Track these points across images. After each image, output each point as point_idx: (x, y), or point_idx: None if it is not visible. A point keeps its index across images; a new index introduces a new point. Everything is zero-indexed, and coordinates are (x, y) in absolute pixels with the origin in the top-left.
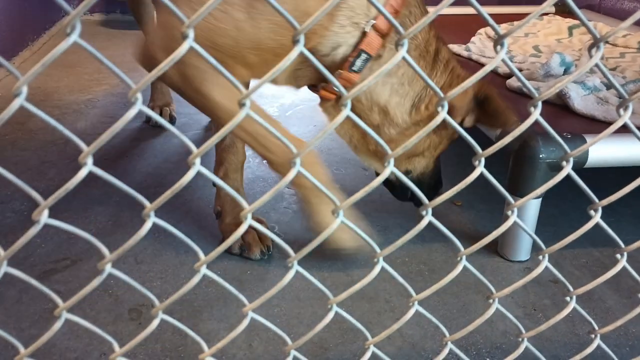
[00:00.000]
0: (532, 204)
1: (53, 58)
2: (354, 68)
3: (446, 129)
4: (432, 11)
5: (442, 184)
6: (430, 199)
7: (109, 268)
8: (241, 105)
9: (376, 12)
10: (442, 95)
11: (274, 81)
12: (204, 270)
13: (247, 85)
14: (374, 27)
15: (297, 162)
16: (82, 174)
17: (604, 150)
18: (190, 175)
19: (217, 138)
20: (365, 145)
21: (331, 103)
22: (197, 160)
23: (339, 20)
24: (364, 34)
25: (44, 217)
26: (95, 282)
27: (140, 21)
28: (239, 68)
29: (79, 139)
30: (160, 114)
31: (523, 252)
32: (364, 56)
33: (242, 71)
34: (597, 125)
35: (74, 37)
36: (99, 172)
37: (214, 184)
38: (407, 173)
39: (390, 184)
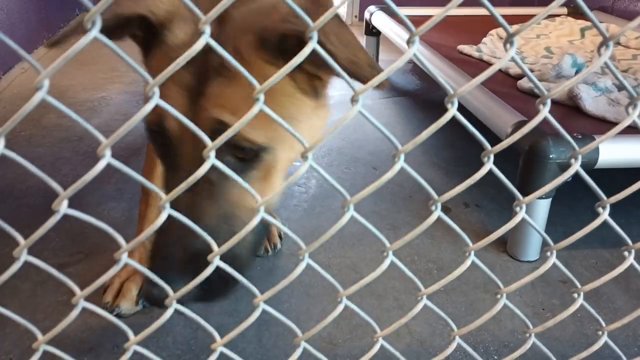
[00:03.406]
0: (541, 204)
1: (74, 53)
2: None
3: None
4: (441, 11)
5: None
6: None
7: (125, 258)
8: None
9: None
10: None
11: None
12: (216, 261)
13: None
14: None
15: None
16: (100, 165)
17: (615, 151)
18: (205, 167)
19: (231, 132)
20: None
21: None
22: (212, 154)
23: None
24: None
25: (63, 207)
26: (112, 272)
27: None
28: None
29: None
30: None
31: (532, 251)
32: None
33: None
34: (608, 126)
35: (95, 32)
36: (116, 163)
37: None
38: None
39: None
